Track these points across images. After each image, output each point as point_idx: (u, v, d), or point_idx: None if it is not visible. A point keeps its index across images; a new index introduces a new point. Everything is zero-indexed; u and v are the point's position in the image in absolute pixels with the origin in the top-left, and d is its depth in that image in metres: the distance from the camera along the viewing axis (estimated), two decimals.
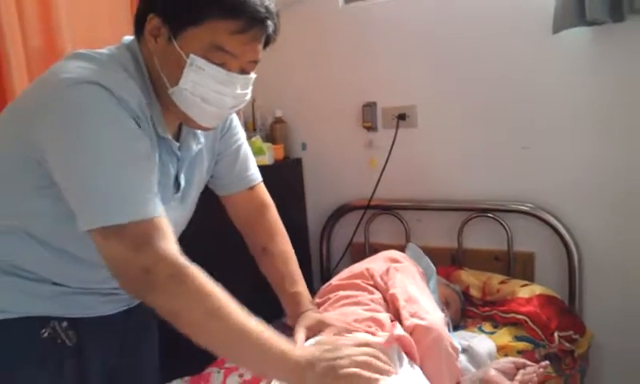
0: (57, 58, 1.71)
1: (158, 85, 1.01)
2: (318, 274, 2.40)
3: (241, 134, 1.30)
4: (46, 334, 1.01)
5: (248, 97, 1.06)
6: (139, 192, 0.90)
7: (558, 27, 1.75)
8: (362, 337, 1.13)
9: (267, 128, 2.39)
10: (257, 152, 2.10)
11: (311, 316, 1.23)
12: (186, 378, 1.47)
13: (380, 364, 0.99)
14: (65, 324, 1.03)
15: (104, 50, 1.00)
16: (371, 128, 2.23)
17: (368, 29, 2.19)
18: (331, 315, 1.28)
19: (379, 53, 2.18)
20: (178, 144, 1.09)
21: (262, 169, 1.37)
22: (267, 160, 2.16)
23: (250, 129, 2.32)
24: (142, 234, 0.88)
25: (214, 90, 0.98)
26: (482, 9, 1.97)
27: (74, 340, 1.04)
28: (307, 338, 1.15)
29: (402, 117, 2.15)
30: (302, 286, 1.30)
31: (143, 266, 0.88)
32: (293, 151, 2.43)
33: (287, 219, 1.39)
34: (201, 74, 0.96)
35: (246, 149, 1.31)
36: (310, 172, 2.43)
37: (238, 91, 1.02)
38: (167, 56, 0.97)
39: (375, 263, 1.55)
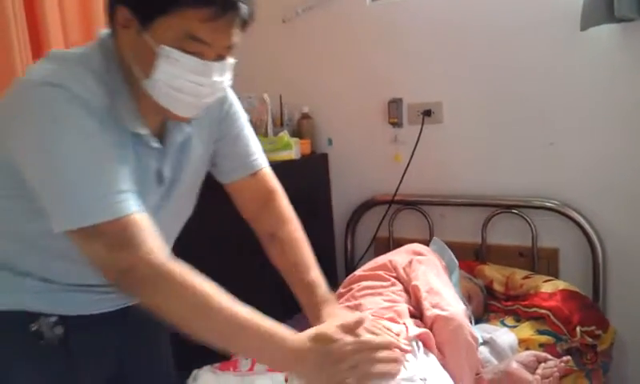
0: None
1: (133, 78, 0.97)
2: (343, 267, 2.43)
3: (243, 119, 1.22)
4: (34, 329, 1.00)
5: (227, 83, 1.01)
6: (109, 191, 0.88)
7: (586, 24, 1.75)
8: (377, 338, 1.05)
9: (294, 123, 2.42)
10: (284, 147, 2.14)
11: (342, 314, 1.09)
12: (216, 365, 1.52)
13: (382, 368, 0.96)
14: (53, 319, 1.02)
15: (78, 49, 0.98)
16: (397, 124, 2.25)
17: (394, 26, 2.21)
18: (362, 311, 1.27)
19: (405, 49, 2.20)
20: (155, 138, 1.03)
21: (289, 163, 1.41)
22: (294, 155, 2.18)
23: (278, 124, 2.35)
24: (118, 232, 0.87)
25: (189, 81, 0.94)
26: (510, 6, 1.97)
27: (61, 337, 1.02)
28: None
29: (427, 113, 2.16)
30: (315, 274, 1.15)
31: (121, 268, 0.87)
32: (319, 146, 2.46)
33: (313, 213, 1.44)
34: (175, 64, 0.91)
35: (248, 134, 1.22)
36: (336, 167, 2.45)
37: (215, 79, 0.96)
38: (139, 48, 0.93)
39: (399, 256, 1.57)
